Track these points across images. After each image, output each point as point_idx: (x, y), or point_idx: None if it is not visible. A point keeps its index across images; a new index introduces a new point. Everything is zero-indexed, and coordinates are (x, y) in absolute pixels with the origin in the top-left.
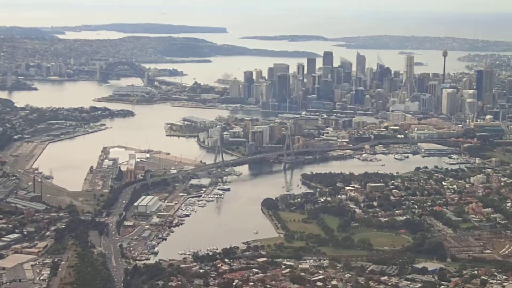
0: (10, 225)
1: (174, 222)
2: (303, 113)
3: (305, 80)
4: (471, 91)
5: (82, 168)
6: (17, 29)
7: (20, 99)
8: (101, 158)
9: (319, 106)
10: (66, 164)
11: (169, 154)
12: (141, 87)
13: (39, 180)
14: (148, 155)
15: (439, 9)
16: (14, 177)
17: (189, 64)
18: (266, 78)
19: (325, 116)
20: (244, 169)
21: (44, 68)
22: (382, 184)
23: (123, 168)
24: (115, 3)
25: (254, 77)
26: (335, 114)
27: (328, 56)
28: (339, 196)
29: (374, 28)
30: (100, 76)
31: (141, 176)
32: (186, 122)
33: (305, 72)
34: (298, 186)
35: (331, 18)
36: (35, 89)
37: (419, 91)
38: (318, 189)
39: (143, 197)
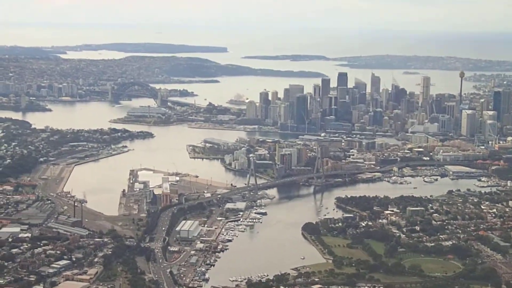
0: (58, 251)
1: (218, 247)
2: (322, 134)
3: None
4: (491, 113)
5: (113, 191)
6: (19, 48)
7: (36, 120)
8: (131, 181)
9: (338, 128)
10: (96, 187)
11: (197, 177)
12: (155, 108)
13: (77, 205)
14: (177, 178)
15: (438, 28)
16: (49, 201)
17: (197, 84)
18: (281, 99)
19: (345, 137)
20: (273, 192)
21: (55, 88)
22: (422, 208)
23: (157, 192)
24: (112, 22)
25: (270, 97)
26: (355, 135)
27: (342, 77)
28: (380, 221)
29: (374, 47)
30: (112, 97)
31: (176, 200)
32: (207, 144)
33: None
34: (334, 209)
35: (330, 38)
36: (49, 110)
37: (436, 112)
38: (357, 214)
39: (183, 222)
